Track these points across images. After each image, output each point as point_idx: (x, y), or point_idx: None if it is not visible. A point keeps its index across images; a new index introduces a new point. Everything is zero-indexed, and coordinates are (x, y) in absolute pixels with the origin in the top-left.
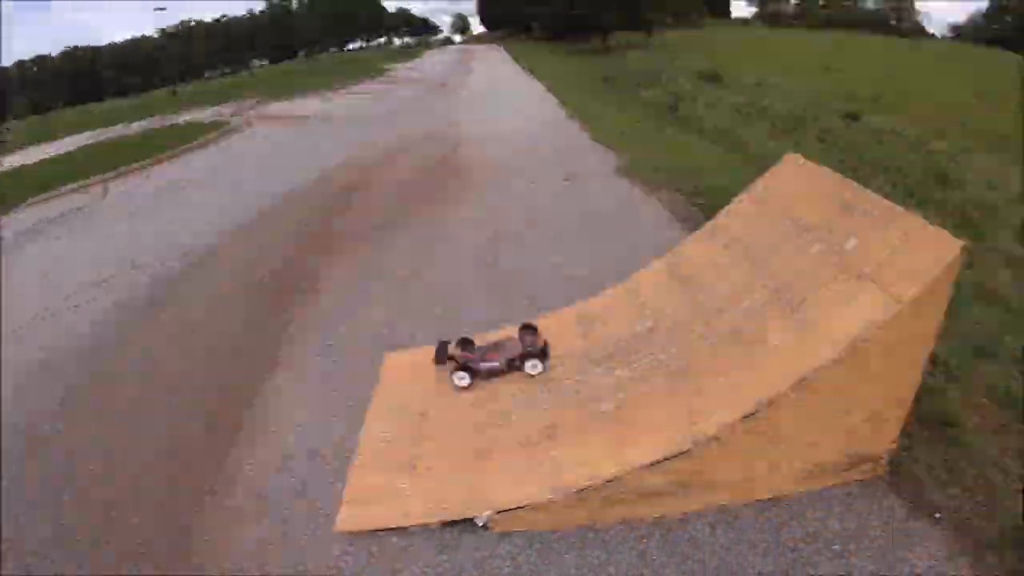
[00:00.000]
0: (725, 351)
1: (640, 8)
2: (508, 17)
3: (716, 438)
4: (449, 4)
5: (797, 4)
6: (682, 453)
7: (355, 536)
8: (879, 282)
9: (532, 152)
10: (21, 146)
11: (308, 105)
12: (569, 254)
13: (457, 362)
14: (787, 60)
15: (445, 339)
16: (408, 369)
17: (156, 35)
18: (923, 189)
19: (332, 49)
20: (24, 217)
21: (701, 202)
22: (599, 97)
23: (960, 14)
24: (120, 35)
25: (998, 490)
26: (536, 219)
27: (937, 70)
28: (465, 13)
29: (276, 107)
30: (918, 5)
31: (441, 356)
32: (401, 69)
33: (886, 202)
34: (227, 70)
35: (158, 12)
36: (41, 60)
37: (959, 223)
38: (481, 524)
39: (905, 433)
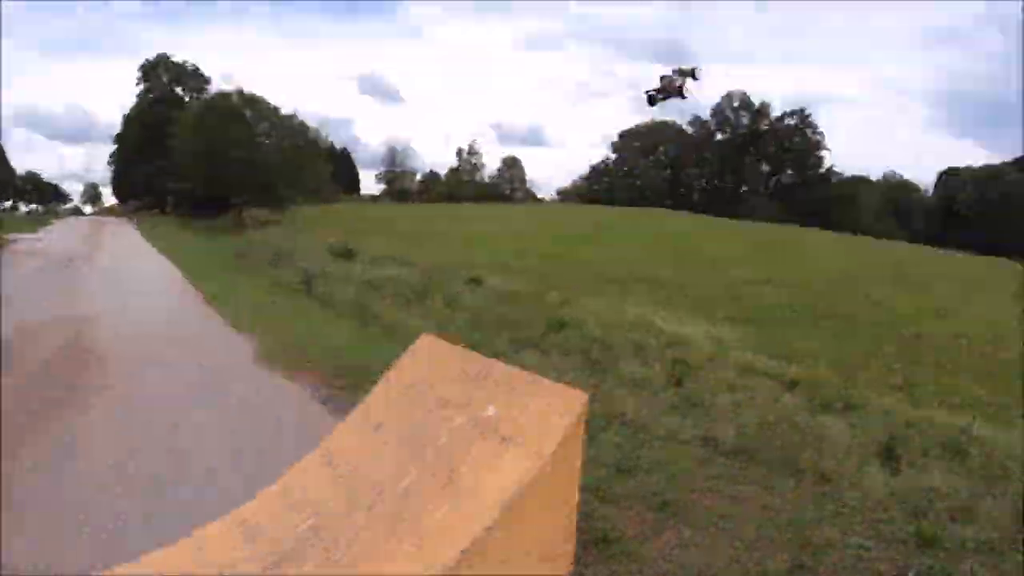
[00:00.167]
0: (390, 538)
1: (274, 186)
2: (142, 190)
3: None
4: (82, 172)
5: (421, 181)
6: None
7: None
8: (521, 443)
9: (166, 340)
10: None
11: None
12: (217, 455)
13: None
14: (413, 233)
15: None
16: None
17: None
18: (545, 336)
19: None
20: None
21: (344, 383)
22: (234, 276)
23: (566, 180)
24: None
25: None
26: (177, 421)
27: (548, 226)
28: (98, 183)
29: None
30: (528, 176)
31: None
32: (25, 241)
33: (515, 369)
34: None
35: None
36: None
37: (582, 361)
38: None
39: (578, 561)
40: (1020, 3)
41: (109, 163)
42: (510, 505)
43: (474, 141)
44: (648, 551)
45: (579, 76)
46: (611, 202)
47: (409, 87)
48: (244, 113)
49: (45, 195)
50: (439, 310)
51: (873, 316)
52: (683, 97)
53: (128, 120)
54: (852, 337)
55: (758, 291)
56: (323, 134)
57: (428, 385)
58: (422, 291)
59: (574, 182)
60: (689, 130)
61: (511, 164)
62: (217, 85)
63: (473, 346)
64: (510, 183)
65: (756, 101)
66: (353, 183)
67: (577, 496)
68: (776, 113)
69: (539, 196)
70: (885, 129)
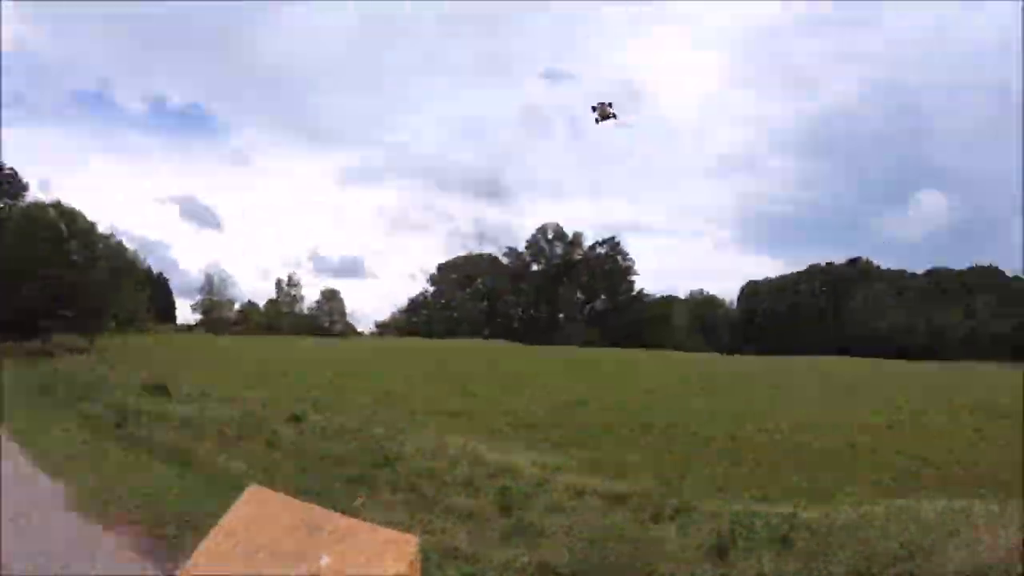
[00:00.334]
0: None
1: (83, 311)
2: None
3: None
4: None
5: (239, 312)
6: None
7: None
8: None
9: None
10: None
11: None
12: None
13: None
14: (231, 367)
15: None
16: None
17: None
18: (372, 472)
19: None
20: None
21: (165, 534)
22: (40, 410)
23: (385, 312)
24: None
25: None
26: None
27: (368, 360)
28: None
29: None
30: (347, 309)
31: None
32: None
33: (345, 518)
34: None
35: None
36: None
37: (411, 497)
38: None
39: None
40: (797, 127)
41: None
42: None
43: (293, 272)
44: None
45: (398, 209)
46: (430, 334)
47: (230, 214)
48: (60, 228)
49: None
50: (262, 451)
51: (691, 424)
52: (615, 117)
53: None
54: (674, 446)
55: (580, 412)
56: (141, 256)
57: (258, 538)
58: (243, 430)
59: (393, 314)
60: (505, 261)
61: (330, 297)
62: (33, 193)
63: (301, 489)
64: (329, 315)
65: (569, 232)
66: (169, 311)
67: None
68: (588, 243)
69: (359, 329)
70: (690, 250)
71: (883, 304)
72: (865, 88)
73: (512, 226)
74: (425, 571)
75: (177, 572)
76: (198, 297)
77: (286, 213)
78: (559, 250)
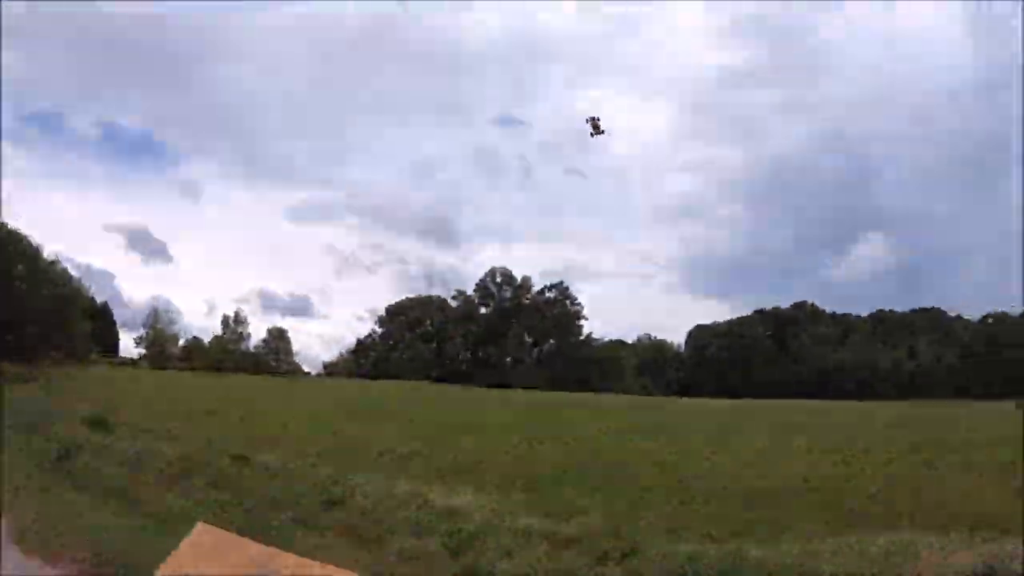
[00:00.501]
0: None
1: (22, 337)
2: None
3: None
4: None
5: (184, 347)
6: None
7: None
8: None
9: None
10: None
11: None
12: None
13: None
14: (175, 403)
15: None
16: None
17: None
18: (319, 514)
19: None
20: None
21: (110, 574)
22: None
23: (332, 352)
24: None
25: None
26: None
27: (314, 401)
28: None
29: None
30: (295, 348)
31: None
32: None
33: (294, 557)
34: None
35: None
36: None
37: (358, 539)
38: None
39: None
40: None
41: None
42: None
43: (240, 309)
44: None
45: (347, 248)
46: (377, 376)
47: (177, 245)
48: (8, 249)
49: None
50: (207, 490)
51: (639, 466)
52: (603, 132)
53: None
54: (623, 488)
55: (529, 455)
56: (86, 285)
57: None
58: (187, 469)
59: (341, 355)
60: (454, 304)
61: (277, 336)
62: None
63: (248, 528)
64: (276, 354)
65: (518, 276)
66: (112, 343)
67: None
68: (537, 287)
69: (306, 370)
70: (638, 295)
71: (828, 346)
72: (813, 140)
73: (461, 269)
74: None
75: None
76: (142, 330)
77: (235, 247)
78: (508, 293)
